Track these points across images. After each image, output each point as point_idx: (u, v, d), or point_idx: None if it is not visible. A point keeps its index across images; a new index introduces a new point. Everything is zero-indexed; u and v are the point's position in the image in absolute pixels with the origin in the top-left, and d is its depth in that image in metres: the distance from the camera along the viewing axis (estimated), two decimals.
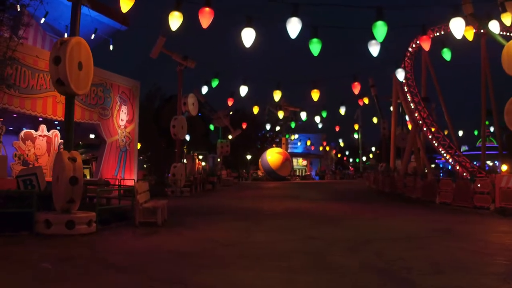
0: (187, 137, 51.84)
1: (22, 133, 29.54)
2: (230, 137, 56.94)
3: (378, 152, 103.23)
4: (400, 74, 31.13)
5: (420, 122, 41.62)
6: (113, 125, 34.96)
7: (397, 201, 30.19)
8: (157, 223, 17.00)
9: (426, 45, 21.89)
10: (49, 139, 31.57)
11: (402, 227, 17.78)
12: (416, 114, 42.21)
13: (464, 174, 36.57)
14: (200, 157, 62.15)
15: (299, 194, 36.50)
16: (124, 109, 36.06)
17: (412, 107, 42.65)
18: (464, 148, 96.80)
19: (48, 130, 31.59)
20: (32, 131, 30.32)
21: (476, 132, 76.14)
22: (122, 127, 36.00)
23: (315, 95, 33.62)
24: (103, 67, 34.98)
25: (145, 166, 51.58)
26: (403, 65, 44.09)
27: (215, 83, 37.22)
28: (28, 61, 26.25)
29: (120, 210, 18.25)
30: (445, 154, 39.78)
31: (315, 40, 19.70)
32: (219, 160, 58.39)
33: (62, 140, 32.07)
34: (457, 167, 38.37)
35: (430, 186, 29.61)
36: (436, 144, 40.20)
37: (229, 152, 55.33)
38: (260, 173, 70.90)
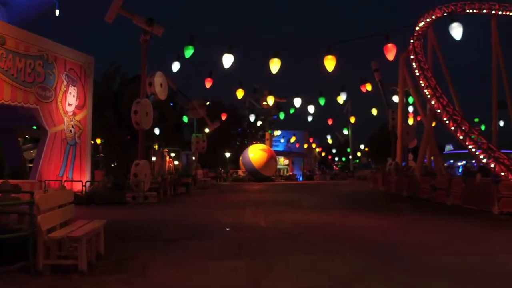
0: (157, 131, 44.10)
1: None
2: (207, 130, 49.04)
3: (367, 150, 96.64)
4: (456, 31, 23.32)
5: (439, 111, 34.02)
6: (57, 110, 27.30)
7: (433, 210, 22.60)
8: (78, 268, 9.05)
9: None
10: None
11: None
12: (433, 102, 34.65)
13: (503, 173, 29.04)
14: (172, 154, 54.44)
15: (297, 199, 28.67)
16: (72, 90, 28.34)
17: (428, 94, 35.12)
18: (448, 147, 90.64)
19: None
20: None
21: (483, 127, 69.11)
22: (70, 113, 28.32)
23: (330, 63, 25.82)
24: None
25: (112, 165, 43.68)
26: (411, 47, 37.06)
27: (189, 52, 29.01)
28: None
29: (22, 239, 9.99)
30: (474, 149, 32.12)
31: None
32: (194, 158, 50.28)
33: None
34: (492, 165, 30.80)
35: (479, 190, 22.13)
36: (461, 138, 32.55)
37: (205, 148, 47.40)
38: (241, 172, 63.00)
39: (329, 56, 25.99)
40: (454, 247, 12.83)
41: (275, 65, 27.29)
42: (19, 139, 35.84)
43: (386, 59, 25.40)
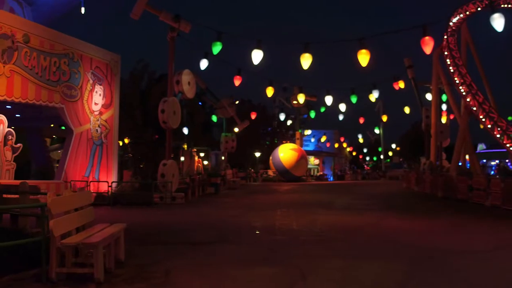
0: (185, 130, 43.38)
1: None
2: (236, 130, 48.16)
3: (398, 149, 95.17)
4: (498, 22, 22.12)
5: (475, 108, 32.89)
6: (83, 109, 26.80)
7: (471, 212, 21.51)
8: (94, 278, 8.32)
9: None
10: None
11: None
12: (468, 99, 33.51)
13: None
14: (202, 154, 53.67)
15: (329, 200, 27.72)
16: (98, 89, 27.82)
17: (463, 91, 33.99)
18: (481, 146, 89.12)
19: None
20: None
21: None
22: (96, 113, 27.79)
23: (364, 57, 24.86)
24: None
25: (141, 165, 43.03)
26: (445, 43, 35.92)
27: (217, 48, 28.19)
28: None
29: (34, 245, 9.24)
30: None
31: None
32: (223, 158, 49.44)
33: (10, 129, 23.81)
34: None
35: None
36: (498, 136, 31.40)
37: (235, 148, 46.46)
38: (271, 173, 62.05)
39: (363, 51, 24.98)
40: (498, 252, 11.91)
41: (306, 60, 26.29)
42: (46, 139, 35.43)
43: (423, 52, 24.22)
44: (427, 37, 23.69)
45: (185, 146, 46.75)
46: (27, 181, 15.59)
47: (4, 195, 12.91)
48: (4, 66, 21.66)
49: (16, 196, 13.08)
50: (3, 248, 8.67)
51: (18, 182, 14.81)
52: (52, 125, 31.54)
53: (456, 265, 10.07)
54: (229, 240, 13.48)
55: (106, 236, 8.80)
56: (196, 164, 45.49)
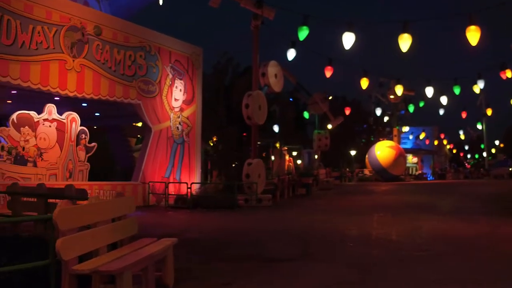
0: (276, 128, 41.34)
1: (14, 116, 19.99)
2: (329, 126, 45.69)
3: (502, 145, 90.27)
4: None
5: None
6: (161, 106, 25.17)
7: None
8: None
9: None
10: (61, 125, 21.63)
11: None
12: None
13: None
14: (294, 153, 51.47)
15: (431, 202, 24.90)
16: (179, 84, 26.11)
17: None
18: None
19: (60, 113, 21.87)
20: (33, 113, 20.55)
21: None
22: (177, 109, 26.09)
23: (473, 35, 21.88)
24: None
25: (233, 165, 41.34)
26: None
27: (303, 33, 25.79)
28: (16, 5, 18.31)
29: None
30: None
31: None
32: (316, 156, 47.01)
33: (83, 128, 22.34)
34: None
35: None
36: None
37: (328, 146, 43.91)
38: (367, 172, 59.21)
39: (472, 27, 21.88)
40: None
41: (405, 41, 23.31)
42: (130, 138, 34.21)
43: None
44: None
45: (277, 145, 44.73)
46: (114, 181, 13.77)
47: (50, 200, 11.06)
48: (73, 61, 20.33)
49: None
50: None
51: (63, 184, 12.96)
52: (140, 124, 30.11)
53: None
54: (314, 256, 11.05)
55: (139, 258, 6.55)
56: (286, 163, 43.50)
